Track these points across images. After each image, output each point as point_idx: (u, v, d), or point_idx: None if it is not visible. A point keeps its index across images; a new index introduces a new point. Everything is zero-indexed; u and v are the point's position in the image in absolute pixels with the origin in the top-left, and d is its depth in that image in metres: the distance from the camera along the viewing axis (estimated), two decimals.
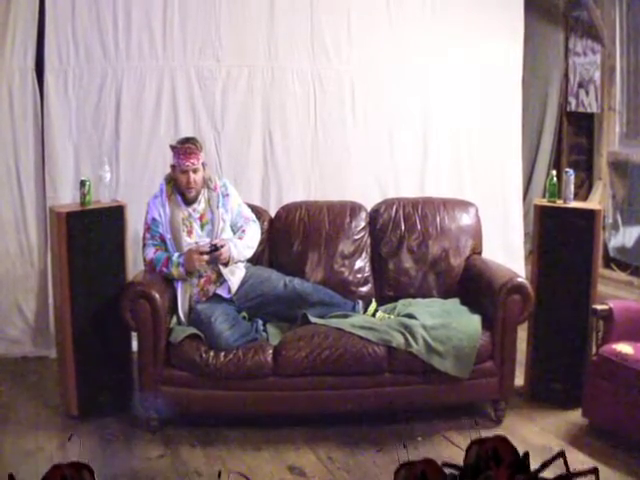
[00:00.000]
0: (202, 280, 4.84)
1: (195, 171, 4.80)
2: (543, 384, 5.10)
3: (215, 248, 4.71)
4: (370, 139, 6.22)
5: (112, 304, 4.64)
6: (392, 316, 4.93)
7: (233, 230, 5.01)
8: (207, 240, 4.83)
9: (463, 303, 5.06)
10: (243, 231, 5.00)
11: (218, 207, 4.89)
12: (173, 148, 4.83)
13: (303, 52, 6.04)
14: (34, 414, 4.91)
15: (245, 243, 4.95)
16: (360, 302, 5.08)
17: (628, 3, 6.80)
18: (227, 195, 4.97)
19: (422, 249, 5.32)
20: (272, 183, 6.09)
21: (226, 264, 4.82)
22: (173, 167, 4.85)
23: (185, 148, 4.78)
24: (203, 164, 4.89)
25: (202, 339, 4.57)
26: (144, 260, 4.90)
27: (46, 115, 5.74)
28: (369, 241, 5.42)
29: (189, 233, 4.84)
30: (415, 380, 4.59)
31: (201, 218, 4.88)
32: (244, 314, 4.87)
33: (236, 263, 4.90)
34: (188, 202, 4.87)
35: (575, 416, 4.81)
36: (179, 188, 4.85)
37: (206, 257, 4.71)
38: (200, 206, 4.89)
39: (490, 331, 4.68)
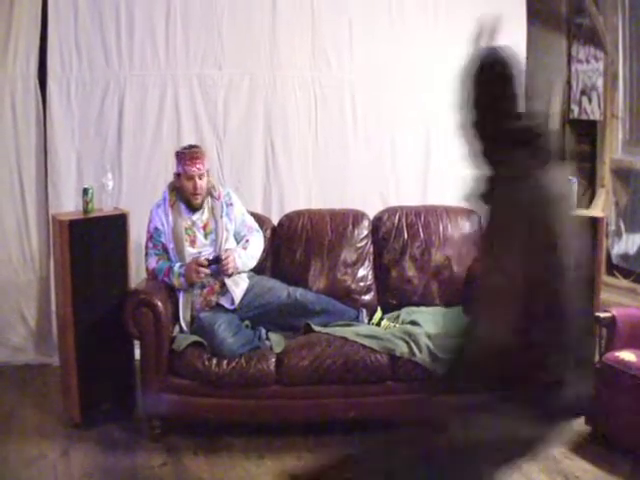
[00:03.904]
0: (205, 290, 4.82)
1: (201, 177, 4.80)
2: None
3: (216, 260, 4.71)
4: (372, 147, 6.21)
5: (115, 312, 4.65)
6: (397, 325, 4.93)
7: (236, 239, 4.99)
8: (210, 250, 4.83)
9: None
10: (247, 241, 4.98)
11: (222, 216, 4.88)
12: (178, 154, 4.83)
13: (305, 60, 6.04)
14: (37, 422, 4.91)
15: (249, 253, 4.94)
16: (364, 310, 5.07)
17: (631, 10, 6.81)
18: (231, 204, 4.96)
19: (425, 257, 5.32)
20: (274, 191, 6.08)
21: (230, 275, 4.81)
22: (178, 175, 4.85)
23: (192, 153, 4.78)
24: (207, 171, 4.89)
25: (205, 347, 4.56)
26: (146, 269, 4.91)
27: (49, 123, 5.76)
28: (372, 249, 5.42)
29: (192, 243, 4.84)
30: (418, 388, 4.58)
31: (204, 227, 4.87)
32: (247, 323, 4.86)
33: (240, 274, 4.89)
34: (193, 209, 4.86)
35: (578, 423, 4.78)
36: (184, 195, 4.84)
37: (207, 270, 4.70)
38: (204, 215, 4.89)
39: None
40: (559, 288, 2.56)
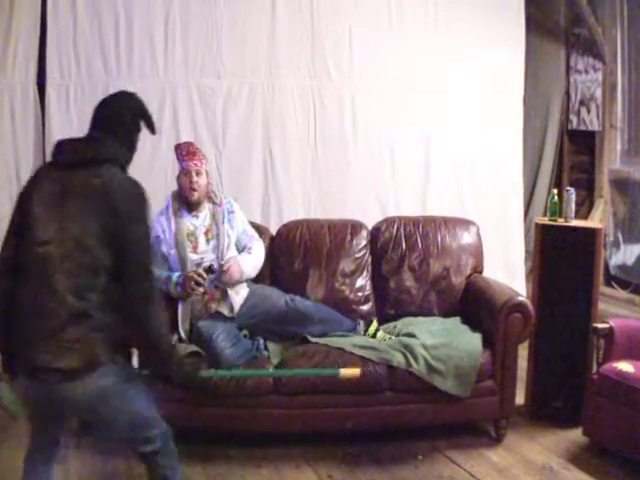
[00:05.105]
0: (205, 297, 4.81)
1: (198, 174, 4.78)
2: (544, 402, 5.09)
3: (210, 269, 4.67)
4: (370, 157, 6.23)
5: None
6: (393, 337, 4.93)
7: (238, 249, 4.97)
8: (212, 256, 4.80)
9: (464, 322, 5.05)
10: (249, 249, 4.97)
11: (223, 222, 4.87)
12: (177, 147, 4.84)
13: (304, 69, 6.07)
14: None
15: (253, 261, 4.93)
16: (361, 322, 5.06)
17: (630, 21, 6.83)
18: (232, 212, 4.94)
19: (423, 268, 5.31)
20: (272, 200, 6.09)
21: (233, 284, 4.81)
22: (179, 177, 4.84)
23: (188, 145, 4.80)
24: (207, 172, 4.87)
25: (203, 356, 4.55)
26: None
27: (47, 129, 5.75)
28: (370, 259, 5.40)
29: (194, 249, 4.80)
30: (415, 399, 4.58)
31: (206, 233, 4.84)
32: (245, 332, 4.86)
33: (242, 282, 4.89)
34: (191, 209, 4.84)
35: (576, 434, 4.80)
36: (183, 195, 4.83)
37: (201, 290, 4.67)
38: (206, 221, 4.86)
39: (491, 350, 4.67)
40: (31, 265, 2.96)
